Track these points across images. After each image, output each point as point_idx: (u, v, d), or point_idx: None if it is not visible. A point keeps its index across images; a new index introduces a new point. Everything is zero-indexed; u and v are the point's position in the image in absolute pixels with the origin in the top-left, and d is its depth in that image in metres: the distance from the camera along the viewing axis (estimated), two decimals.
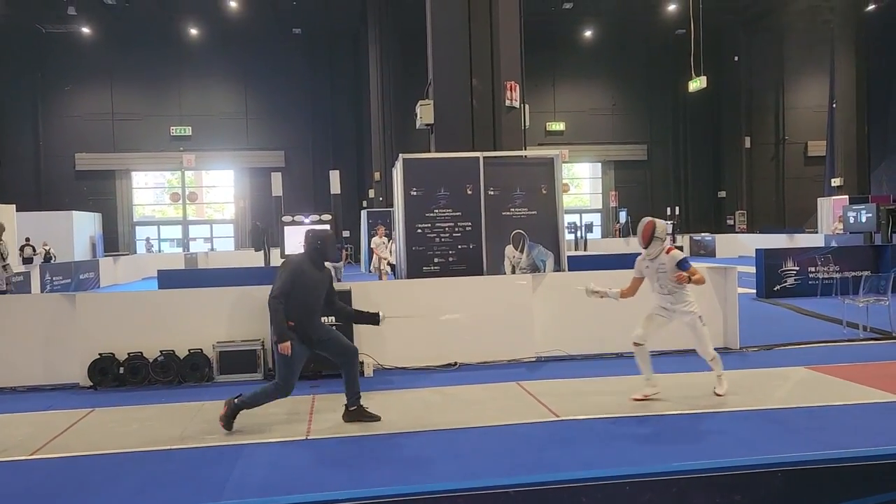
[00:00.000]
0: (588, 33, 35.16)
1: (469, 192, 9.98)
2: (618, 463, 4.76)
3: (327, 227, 14.97)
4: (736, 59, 35.58)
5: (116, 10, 30.31)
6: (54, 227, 26.26)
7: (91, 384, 7.55)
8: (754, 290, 14.59)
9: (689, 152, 37.67)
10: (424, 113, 11.19)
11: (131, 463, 5.14)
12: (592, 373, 7.55)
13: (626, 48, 35.90)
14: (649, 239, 6.27)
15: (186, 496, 4.48)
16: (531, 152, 12.07)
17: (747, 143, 36.18)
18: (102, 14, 30.71)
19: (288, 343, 5.62)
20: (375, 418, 5.96)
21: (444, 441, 5.44)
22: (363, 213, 26.67)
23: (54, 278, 18.80)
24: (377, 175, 29.12)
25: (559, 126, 36.45)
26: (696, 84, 23.23)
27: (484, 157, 10.10)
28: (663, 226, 6.37)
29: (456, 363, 8.16)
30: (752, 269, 15.20)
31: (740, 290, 9.21)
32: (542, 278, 8.75)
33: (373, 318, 6.48)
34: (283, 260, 6.13)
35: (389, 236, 16.39)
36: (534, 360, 8.34)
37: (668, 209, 26.69)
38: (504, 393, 6.92)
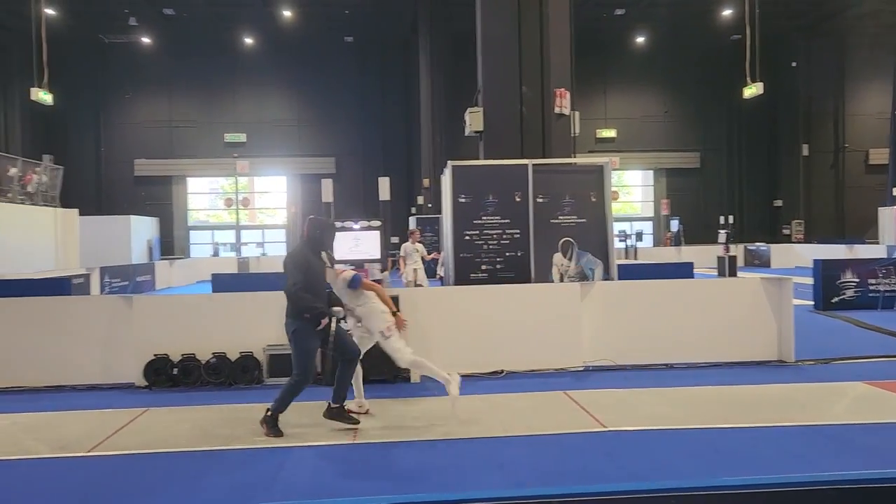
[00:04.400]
0: (640, 39, 34.76)
1: (517, 200, 9.95)
2: (665, 475, 4.68)
3: (375, 226, 13.18)
4: (794, 64, 34.70)
5: (175, 21, 31.28)
6: (113, 231, 27.12)
7: (146, 384, 7.77)
8: (811, 302, 14.18)
9: (743, 160, 36.88)
10: (473, 120, 11.20)
11: (183, 462, 5.26)
12: (640, 383, 7.44)
13: (679, 54, 35.35)
14: None
15: (235, 496, 4.56)
16: (581, 159, 11.98)
17: (805, 151, 35.20)
18: (162, 24, 31.71)
19: (331, 316, 5.79)
20: (355, 422, 6.02)
21: (489, 449, 5.42)
22: (412, 220, 26.83)
23: (112, 281, 19.40)
24: (426, 182, 29.25)
25: (610, 133, 36.11)
26: (752, 90, 22.76)
27: (533, 165, 10.07)
28: None
29: (503, 371, 8.13)
30: (810, 281, 14.78)
31: (796, 301, 8.97)
32: (590, 287, 8.67)
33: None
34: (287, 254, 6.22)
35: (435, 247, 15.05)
36: (581, 369, 8.26)
37: (722, 218, 26.13)
38: (550, 402, 6.87)
